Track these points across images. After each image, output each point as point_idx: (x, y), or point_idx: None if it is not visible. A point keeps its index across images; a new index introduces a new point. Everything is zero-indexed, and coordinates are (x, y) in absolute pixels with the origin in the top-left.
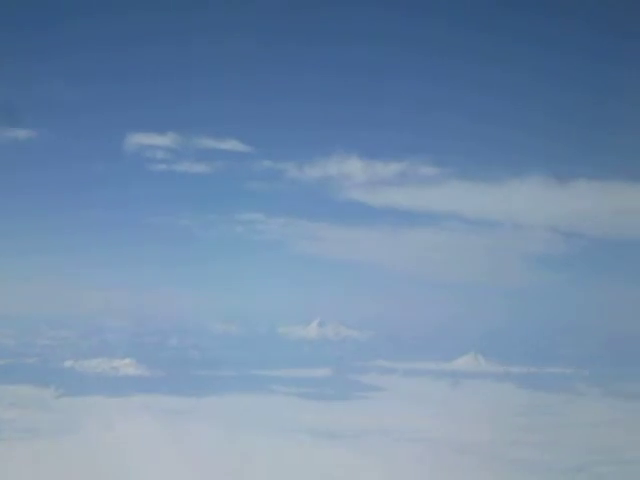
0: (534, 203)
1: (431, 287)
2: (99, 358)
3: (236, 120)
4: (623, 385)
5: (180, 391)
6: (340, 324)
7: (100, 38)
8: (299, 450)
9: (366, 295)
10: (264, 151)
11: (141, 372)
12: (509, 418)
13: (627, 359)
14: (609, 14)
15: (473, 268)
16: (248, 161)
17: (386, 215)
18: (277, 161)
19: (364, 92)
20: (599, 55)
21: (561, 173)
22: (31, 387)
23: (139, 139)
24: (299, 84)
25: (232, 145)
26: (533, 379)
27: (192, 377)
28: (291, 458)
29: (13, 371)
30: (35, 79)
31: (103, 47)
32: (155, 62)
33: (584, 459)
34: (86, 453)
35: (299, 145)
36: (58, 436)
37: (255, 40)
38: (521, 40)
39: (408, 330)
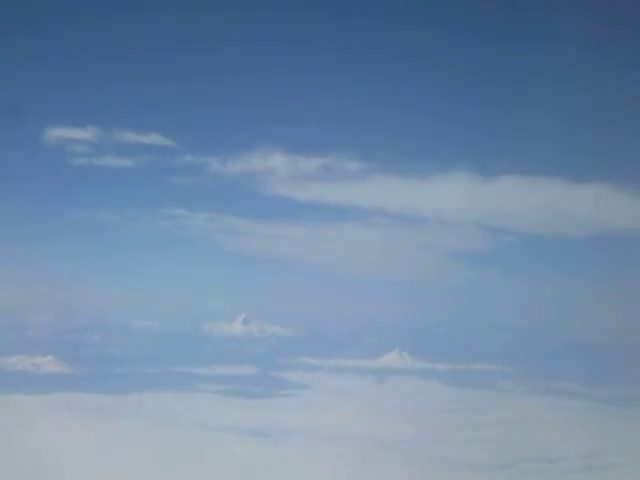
0: (461, 199)
1: (357, 284)
2: (19, 355)
3: (158, 114)
4: (548, 382)
5: (102, 389)
6: (265, 321)
7: (15, 25)
8: (223, 448)
9: (291, 292)
10: (186, 145)
11: (62, 369)
12: (434, 415)
13: (552, 356)
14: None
15: (399, 264)
16: (170, 155)
17: (312, 211)
18: (199, 156)
19: (286, 87)
20: (528, 44)
21: (487, 169)
22: None
23: (59, 133)
24: (221, 78)
25: (154, 139)
26: (458, 376)
27: (114, 375)
28: (215, 456)
29: None
30: None
31: (21, 36)
32: (74, 54)
33: (509, 456)
34: (5, 452)
35: (222, 140)
36: None
37: (177, 32)
38: (449, 32)
39: (333, 327)
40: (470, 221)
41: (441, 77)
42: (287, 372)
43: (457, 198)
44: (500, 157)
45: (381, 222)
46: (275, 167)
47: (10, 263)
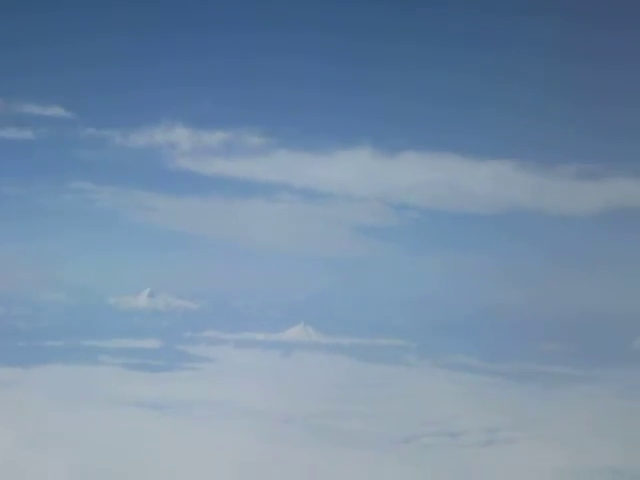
0: (364, 175)
1: (262, 258)
2: None
3: (59, 86)
4: (451, 357)
5: (6, 361)
6: (171, 295)
7: None
8: (126, 420)
9: (198, 266)
10: (88, 118)
11: None
12: (338, 389)
13: (455, 331)
14: None
15: (304, 239)
16: (72, 128)
17: (217, 185)
18: (101, 128)
19: (189, 60)
20: (431, 34)
21: (390, 145)
22: None
23: None
24: (123, 49)
25: (55, 111)
26: (363, 350)
27: (19, 347)
28: (117, 428)
29: None
30: None
31: None
32: None
33: (412, 430)
34: None
35: (124, 112)
36: None
37: (81, 7)
38: (357, 9)
39: (239, 301)
40: (374, 197)
41: (344, 52)
42: (192, 346)
43: (361, 174)
44: (403, 134)
45: (286, 197)
46: (178, 141)
47: None
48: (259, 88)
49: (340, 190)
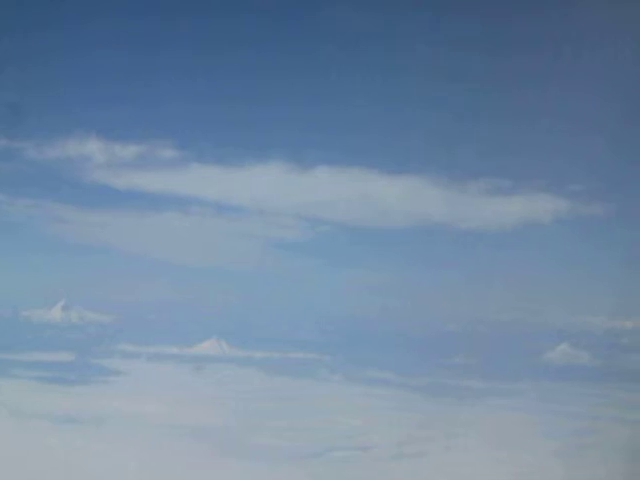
0: (278, 189)
1: (175, 271)
2: None
3: None
4: (365, 371)
5: None
6: (85, 307)
7: None
8: (37, 435)
9: (112, 279)
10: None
11: None
12: (249, 404)
13: (369, 345)
14: None
15: (218, 253)
16: None
17: (131, 198)
18: (14, 140)
19: (99, 72)
20: (345, 39)
21: (303, 159)
22: None
23: None
24: (32, 58)
25: None
26: (276, 364)
27: None
28: (29, 443)
29: None
30: None
31: None
32: None
33: (323, 444)
34: None
35: (36, 124)
36: None
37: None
38: (262, 21)
39: (153, 314)
40: (288, 211)
41: (256, 64)
42: (105, 359)
43: (274, 188)
44: (315, 148)
45: (199, 211)
46: (91, 154)
47: None
48: (172, 101)
49: (253, 204)
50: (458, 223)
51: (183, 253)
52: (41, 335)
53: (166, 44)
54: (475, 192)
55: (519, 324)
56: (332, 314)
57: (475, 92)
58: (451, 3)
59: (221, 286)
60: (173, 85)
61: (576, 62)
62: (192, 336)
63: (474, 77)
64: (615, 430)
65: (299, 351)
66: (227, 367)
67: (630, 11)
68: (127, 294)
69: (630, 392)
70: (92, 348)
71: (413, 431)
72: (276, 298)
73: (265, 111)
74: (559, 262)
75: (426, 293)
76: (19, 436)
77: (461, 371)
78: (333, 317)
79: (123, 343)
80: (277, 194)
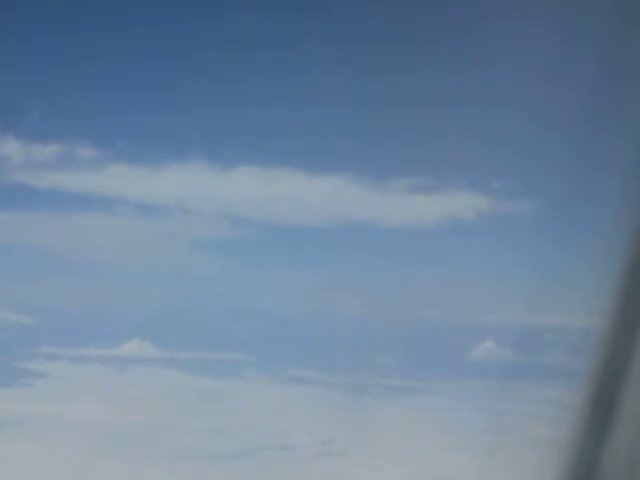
0: (200, 188)
1: (99, 272)
2: None
3: None
4: (290, 370)
5: None
6: (9, 309)
7: None
8: None
9: (34, 280)
10: None
11: None
12: (173, 405)
13: (293, 344)
14: None
15: (141, 253)
16: None
17: (53, 198)
18: None
19: (18, 68)
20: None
21: (223, 159)
22: None
23: None
24: None
25: None
26: (200, 365)
27: None
28: None
29: None
30: None
31: None
32: None
33: (250, 444)
34: None
35: None
36: None
37: None
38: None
39: (76, 316)
40: (210, 210)
41: (173, 64)
42: (28, 361)
43: (196, 187)
44: (235, 148)
45: (121, 211)
46: (10, 154)
47: None
48: (89, 97)
49: (176, 204)
50: (380, 222)
51: (106, 254)
52: None
53: (86, 34)
54: (397, 190)
55: (441, 322)
56: (257, 314)
57: (398, 87)
58: None
59: (145, 287)
60: (91, 81)
61: (497, 49)
62: (116, 337)
63: (393, 70)
64: (533, 426)
65: (224, 351)
66: (151, 368)
67: None
68: (50, 295)
69: (550, 389)
70: (15, 350)
71: (336, 430)
72: (201, 298)
73: (186, 110)
74: (481, 260)
75: (350, 291)
76: None
77: (384, 369)
78: (258, 317)
79: (45, 345)
80: (199, 193)
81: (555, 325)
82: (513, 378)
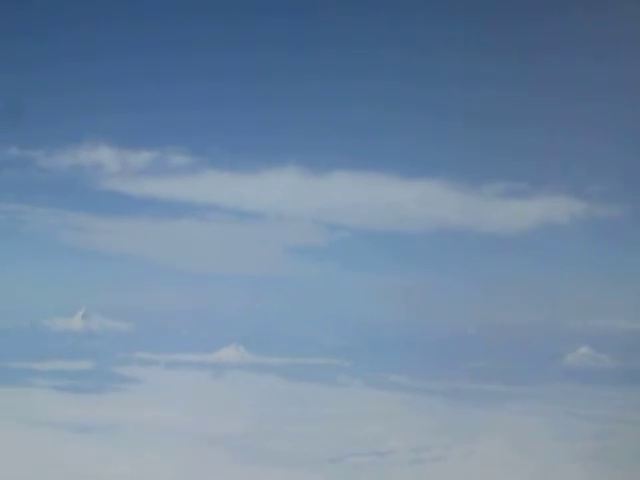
0: (294, 195)
1: (193, 278)
2: None
3: None
4: (383, 376)
5: None
6: (104, 315)
7: None
8: (54, 443)
9: (130, 286)
10: (10, 139)
11: None
12: (269, 410)
13: (388, 350)
14: None
15: (237, 260)
16: None
17: (146, 205)
18: (24, 148)
19: (112, 76)
20: (356, 44)
21: (317, 165)
22: None
23: None
24: (46, 69)
25: None
26: (295, 370)
27: None
28: (48, 451)
29: None
30: None
31: None
32: None
33: (341, 450)
34: None
35: (45, 131)
36: None
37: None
38: (269, 23)
39: (171, 321)
40: (304, 216)
41: (265, 73)
42: (123, 367)
43: (290, 193)
44: (328, 153)
45: (217, 217)
46: (103, 161)
47: None
48: (184, 106)
49: (270, 210)
50: (475, 227)
51: (201, 260)
52: (61, 344)
53: (177, 49)
54: (492, 195)
55: (539, 327)
56: (351, 319)
57: (493, 96)
58: (463, 8)
59: (240, 292)
60: (184, 90)
61: (591, 65)
62: (211, 343)
63: (489, 81)
64: (633, 432)
65: (318, 357)
66: (246, 374)
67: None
68: (145, 302)
69: None
70: (110, 356)
71: (431, 436)
72: (295, 304)
73: (279, 115)
74: (578, 264)
75: (445, 297)
76: (35, 445)
77: (480, 375)
78: (352, 322)
79: (141, 351)
80: (293, 199)
81: None
82: (609, 383)
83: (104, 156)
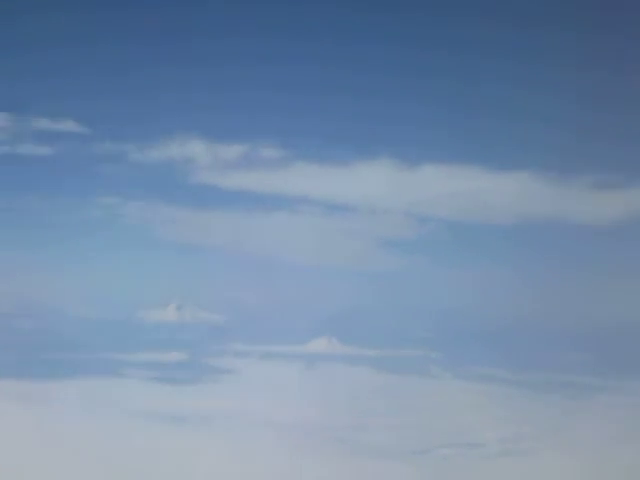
0: (384, 187)
1: (285, 270)
2: None
3: (70, 100)
4: (473, 368)
5: (33, 374)
6: (198, 307)
7: None
8: (147, 434)
9: (223, 278)
10: (101, 132)
11: None
12: (359, 401)
13: (478, 342)
14: None
15: (328, 252)
16: (88, 143)
17: (237, 198)
18: (117, 142)
19: (202, 73)
20: (450, 43)
21: (407, 157)
22: None
23: None
24: (132, 61)
25: (68, 126)
26: (386, 362)
27: (46, 360)
28: (139, 443)
29: None
30: None
31: None
32: None
33: (431, 442)
34: None
35: (137, 126)
36: None
37: (88, 16)
38: (366, 14)
39: (264, 313)
40: (396, 209)
41: (357, 63)
42: (217, 358)
43: (382, 186)
44: (418, 146)
45: (307, 210)
46: (194, 154)
47: None
48: (272, 99)
49: (361, 202)
50: (565, 218)
51: (292, 252)
52: (155, 335)
53: (271, 37)
54: (582, 187)
55: (635, 320)
56: (441, 311)
57: (583, 82)
58: None
59: (331, 285)
60: (274, 84)
61: None
62: (303, 334)
63: (582, 67)
64: None
65: (409, 349)
66: (338, 365)
67: None
68: (238, 293)
69: None
70: (204, 348)
71: (520, 428)
72: (386, 296)
73: (369, 108)
74: None
75: (535, 289)
76: (129, 434)
77: (571, 367)
78: (442, 314)
79: (235, 342)
80: (383, 192)
81: None
82: None
83: (196, 150)
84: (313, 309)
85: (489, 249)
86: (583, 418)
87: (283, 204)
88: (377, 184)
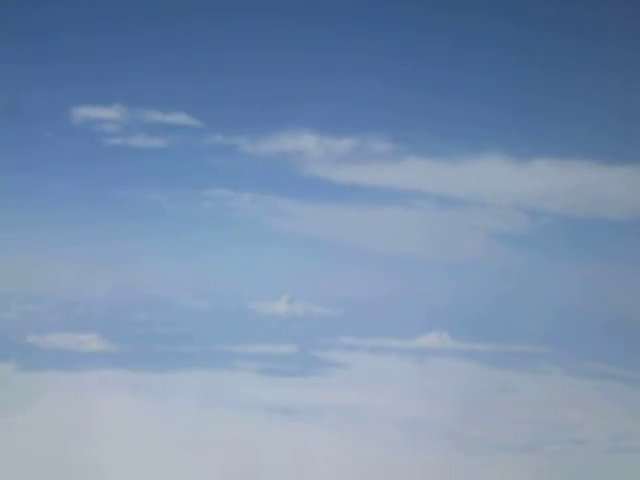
0: (497, 181)
1: (397, 264)
2: (64, 333)
3: (180, 93)
4: (584, 363)
5: (146, 366)
6: (308, 301)
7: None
8: (257, 426)
9: (334, 272)
10: (213, 125)
11: (106, 347)
12: (469, 396)
13: (590, 337)
14: None
15: (439, 246)
16: (199, 135)
17: (350, 192)
18: (228, 136)
19: (314, 65)
20: (557, 29)
21: (519, 152)
22: None
23: (85, 112)
24: (245, 57)
25: (181, 119)
26: (497, 357)
27: (157, 353)
28: (249, 434)
29: None
30: None
31: (35, 12)
32: (98, 36)
33: (537, 438)
34: (44, 429)
35: (248, 119)
36: (15, 411)
37: (201, 15)
38: (478, 13)
39: (374, 307)
40: (508, 203)
41: (470, 59)
42: (327, 351)
43: (493, 180)
44: (530, 140)
45: (421, 204)
46: (306, 148)
47: (61, 244)
48: (385, 91)
49: (474, 197)
50: None
51: (405, 247)
52: (266, 328)
53: (381, 29)
54: None
55: None
56: (552, 306)
57: None
58: None
59: (443, 279)
60: (383, 78)
61: None
62: (414, 329)
63: None
64: None
65: (520, 343)
66: (448, 360)
67: None
68: (349, 287)
69: None
70: (314, 341)
71: (630, 425)
72: (497, 290)
73: (478, 103)
74: None
75: None
76: (239, 426)
77: None
78: (553, 309)
79: (345, 336)
80: (496, 186)
81: None
82: None
83: (307, 143)
84: (424, 304)
85: (601, 244)
86: None
87: (395, 198)
88: (487, 178)
